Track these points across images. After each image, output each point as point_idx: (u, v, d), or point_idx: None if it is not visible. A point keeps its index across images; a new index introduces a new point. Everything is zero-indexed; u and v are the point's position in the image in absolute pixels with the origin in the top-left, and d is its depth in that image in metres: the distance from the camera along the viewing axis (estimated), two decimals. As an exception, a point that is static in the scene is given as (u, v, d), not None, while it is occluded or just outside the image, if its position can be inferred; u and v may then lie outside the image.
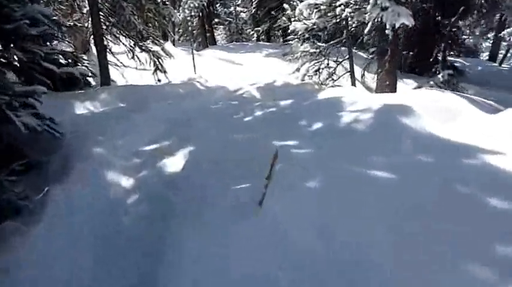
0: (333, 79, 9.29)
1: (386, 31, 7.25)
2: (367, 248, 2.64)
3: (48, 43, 7.34)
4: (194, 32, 26.37)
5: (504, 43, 31.98)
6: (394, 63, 8.94)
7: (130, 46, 11.56)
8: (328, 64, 9.24)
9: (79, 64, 12.03)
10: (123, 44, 11.60)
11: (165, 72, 11.90)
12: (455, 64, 17.44)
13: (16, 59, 5.72)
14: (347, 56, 9.20)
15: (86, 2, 10.98)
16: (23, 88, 5.01)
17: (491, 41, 35.74)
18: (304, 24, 8.56)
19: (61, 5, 12.45)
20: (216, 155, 4.57)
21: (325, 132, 4.56)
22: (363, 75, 10.61)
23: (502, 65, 26.02)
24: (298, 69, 9.42)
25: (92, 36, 11.04)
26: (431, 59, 14.83)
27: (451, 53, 17.90)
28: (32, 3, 5.74)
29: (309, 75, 9.19)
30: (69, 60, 11.94)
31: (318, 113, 5.22)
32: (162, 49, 11.29)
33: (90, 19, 10.82)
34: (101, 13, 10.62)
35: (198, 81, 10.90)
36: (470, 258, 2.39)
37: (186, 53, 17.26)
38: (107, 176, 4.60)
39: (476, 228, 2.59)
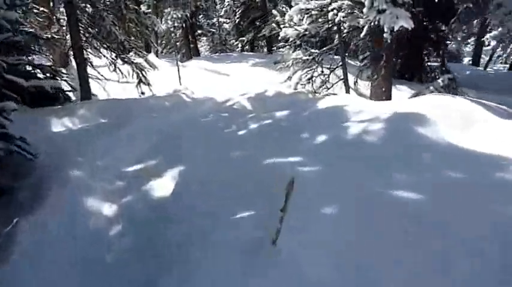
0: (326, 87, 8.84)
1: (385, 35, 6.85)
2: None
3: (15, 53, 6.72)
4: (178, 43, 25.89)
5: (487, 47, 32.27)
6: (389, 69, 8.56)
7: (112, 58, 11.02)
8: (322, 71, 8.80)
9: (58, 78, 11.47)
10: (104, 56, 11.06)
11: (149, 84, 11.36)
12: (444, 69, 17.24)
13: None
14: (340, 63, 8.79)
15: (64, 12, 10.44)
16: (-13, 105, 4.44)
17: (471, 46, 36.02)
18: (296, 30, 8.13)
19: (38, 17, 11.88)
20: (210, 176, 4.06)
21: (331, 146, 4.08)
22: (355, 83, 10.23)
23: (487, 69, 26.04)
24: (290, 78, 8.95)
25: (71, 49, 10.48)
26: (422, 64, 14.59)
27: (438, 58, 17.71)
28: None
29: (301, 84, 8.73)
30: (47, 75, 11.35)
31: (320, 124, 4.75)
32: (145, 60, 10.76)
33: (68, 31, 10.27)
34: (80, 24, 10.08)
35: (184, 93, 10.38)
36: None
37: (170, 65, 16.75)
38: (87, 203, 4.04)
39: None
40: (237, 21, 28.27)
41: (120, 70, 11.24)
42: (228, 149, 4.76)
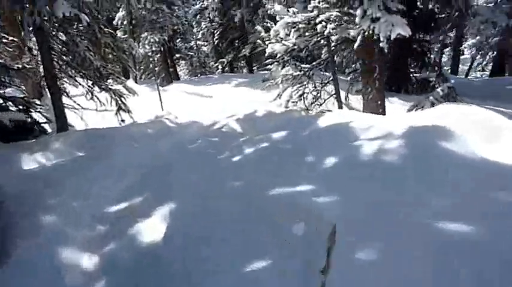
0: (318, 103, 8.37)
1: (381, 44, 6.42)
2: None
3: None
4: (156, 68, 25.37)
5: (463, 56, 32.61)
6: (383, 81, 8.15)
7: (89, 86, 10.40)
8: (315, 87, 8.32)
9: (32, 110, 10.80)
10: (80, 84, 10.44)
11: (129, 111, 10.75)
12: (430, 79, 17.06)
13: None
14: (331, 78, 8.34)
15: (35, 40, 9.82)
16: None
17: (446, 56, 36.40)
18: (284, 45, 7.66)
19: (7, 47, 11.23)
20: (207, 213, 3.46)
21: (345, 170, 3.53)
22: (346, 97, 9.81)
23: (468, 77, 26.14)
24: (279, 96, 8.43)
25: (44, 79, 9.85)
26: (408, 76, 14.33)
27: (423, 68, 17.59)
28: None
29: (293, 101, 8.23)
30: (20, 107, 10.66)
31: (326, 145, 4.21)
32: (124, 86, 10.16)
33: (40, 59, 9.65)
34: (52, 52, 9.47)
35: (167, 118, 9.78)
36: None
37: (151, 90, 16.18)
38: (62, 256, 3.38)
39: None
40: (215, 43, 27.99)
41: (97, 98, 10.63)
42: (223, 179, 4.17)
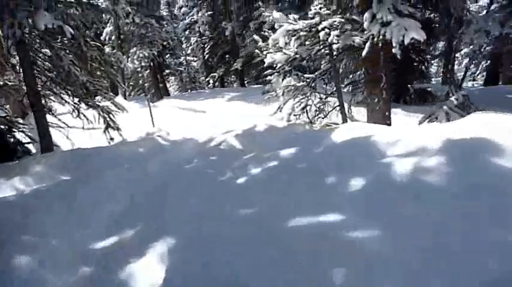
0: (321, 116, 7.82)
1: (394, 50, 5.93)
2: None
3: None
4: (146, 84, 24.83)
5: (458, 66, 32.53)
6: (389, 91, 7.66)
7: (75, 103, 9.78)
8: (321, 98, 7.76)
9: (14, 130, 10.15)
10: (66, 101, 9.82)
11: (118, 129, 10.13)
12: (428, 89, 16.72)
13: None
14: (334, 89, 7.82)
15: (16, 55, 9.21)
16: None
17: (435, 67, 36.37)
18: (285, 54, 7.14)
19: (-13, 64, 10.61)
20: (214, 251, 2.84)
21: (379, 193, 2.96)
22: (349, 109, 9.30)
23: (462, 87, 25.96)
24: (280, 109, 7.87)
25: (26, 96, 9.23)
26: (407, 86, 13.93)
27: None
28: None
29: (295, 115, 7.69)
30: (2, 127, 10.06)
31: (348, 163, 3.64)
32: (113, 103, 9.56)
33: (22, 75, 9.03)
34: (35, 67, 8.88)
35: (159, 136, 9.19)
36: None
37: (140, 106, 15.60)
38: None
39: None
40: (205, 57, 27.57)
41: (84, 116, 10.02)
42: (229, 205, 3.57)
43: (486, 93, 17.44)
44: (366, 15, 6.01)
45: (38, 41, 8.84)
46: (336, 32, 6.70)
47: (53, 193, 4.79)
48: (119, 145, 8.03)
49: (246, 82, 26.29)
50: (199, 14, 24.65)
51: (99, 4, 9.68)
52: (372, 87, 8.06)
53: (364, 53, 6.49)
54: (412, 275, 2.00)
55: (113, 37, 19.74)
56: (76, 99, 9.74)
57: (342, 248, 2.37)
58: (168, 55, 29.35)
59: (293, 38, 7.02)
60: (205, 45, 26.76)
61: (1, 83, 9.94)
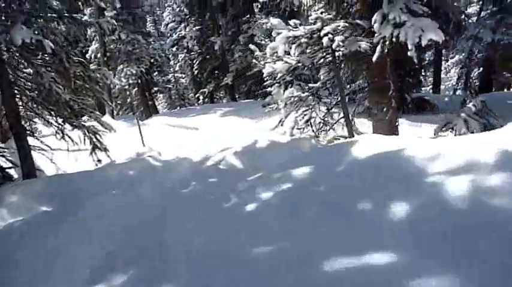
0: (326, 129, 7.23)
1: (409, 53, 5.40)
2: None
3: None
4: (134, 102, 24.18)
5: (445, 75, 32.36)
6: (398, 99, 7.13)
7: (59, 124, 9.10)
8: (328, 110, 7.14)
9: (-5, 155, 9.47)
10: (49, 122, 9.14)
11: (105, 150, 9.44)
12: (426, 97, 16.32)
13: None
14: (338, 99, 7.24)
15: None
16: None
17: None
18: (286, 63, 6.56)
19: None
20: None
21: (431, 223, 2.35)
22: (352, 120, 8.72)
23: (456, 94, 25.73)
24: (281, 122, 7.25)
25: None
26: (403, 94, 13.47)
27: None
28: None
29: (298, 128, 7.07)
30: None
31: (382, 185, 3.03)
32: (99, 122, 8.89)
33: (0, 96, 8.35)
34: (15, 87, 8.21)
35: (150, 156, 8.52)
36: None
37: (129, 125, 14.93)
38: None
39: None
40: (194, 73, 27.06)
41: (69, 137, 9.33)
42: (239, 240, 2.94)
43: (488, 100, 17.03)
44: (376, 16, 5.49)
45: (16, 58, 8.19)
46: (341, 37, 6.16)
47: (30, 229, 4.11)
48: (107, 167, 7.35)
49: (236, 97, 25.80)
50: (187, 29, 24.18)
51: (82, 17, 9.04)
52: (378, 96, 7.53)
53: (374, 58, 5.95)
54: None
55: (99, 54, 19.11)
56: (60, 120, 9.07)
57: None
58: (156, 72, 28.79)
59: (293, 46, 6.46)
60: (194, 61, 26.25)
61: (-21, 105, 9.27)
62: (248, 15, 20.73)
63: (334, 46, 6.18)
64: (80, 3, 9.99)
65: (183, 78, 32.18)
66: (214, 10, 22.90)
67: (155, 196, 4.82)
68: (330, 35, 6.28)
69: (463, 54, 22.94)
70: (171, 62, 30.75)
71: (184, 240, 3.18)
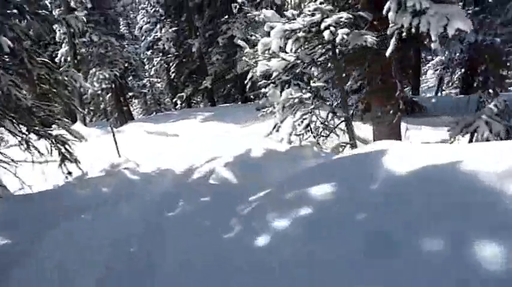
0: (325, 134, 6.38)
1: (433, 45, 4.66)
2: None
3: None
4: (108, 108, 22.98)
5: (426, 76, 32.26)
6: (404, 101, 6.42)
7: (23, 133, 8.05)
8: (334, 113, 6.23)
9: None
10: (9, 131, 8.08)
11: (76, 161, 8.41)
12: (414, 99, 15.85)
13: None
14: (340, 100, 6.45)
15: None
16: None
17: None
18: (283, 60, 5.72)
19: None
20: None
21: None
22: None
23: (438, 95, 25.53)
24: (277, 128, 6.34)
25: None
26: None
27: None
28: None
29: (297, 134, 6.20)
30: None
31: (443, 212, 2.23)
32: (68, 130, 7.88)
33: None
34: (-32, 93, 7.15)
35: (126, 168, 7.58)
36: None
37: (103, 132, 13.85)
38: None
39: None
40: (171, 77, 26.01)
41: (35, 147, 8.29)
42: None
43: (471, 102, 16.62)
44: (390, 4, 4.73)
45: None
46: (345, 30, 5.39)
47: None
48: (77, 184, 6.36)
49: (215, 101, 24.91)
50: (163, 31, 23.11)
51: (48, 14, 8.03)
52: (382, 97, 6.79)
53: (388, 52, 5.18)
54: None
55: (69, 58, 17.93)
56: (24, 129, 8.03)
57: None
58: (131, 77, 27.62)
59: (290, 41, 5.65)
60: (171, 64, 25.18)
61: None
62: (227, 16, 19.86)
63: (337, 40, 5.41)
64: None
65: (159, 82, 31.11)
66: (191, 11, 21.97)
67: (134, 220, 3.93)
68: (332, 28, 5.50)
69: (446, 54, 22.64)
70: (146, 67, 29.63)
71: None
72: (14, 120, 7.85)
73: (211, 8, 21.42)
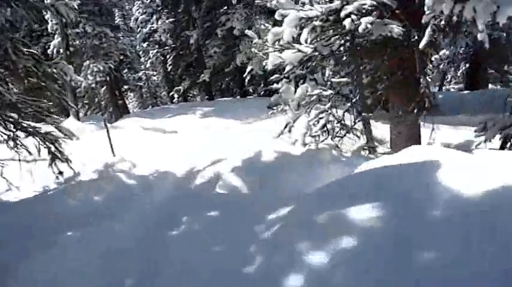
0: (339, 135, 5.70)
1: (479, 36, 4.05)
2: None
3: None
4: (103, 101, 22.27)
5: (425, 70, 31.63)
6: (430, 99, 5.80)
7: (9, 130, 7.40)
8: (360, 112, 5.51)
9: None
10: (-5, 128, 7.42)
11: (67, 160, 7.75)
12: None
13: None
14: (357, 97, 5.78)
15: None
16: None
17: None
18: (299, 51, 5.04)
19: None
20: None
21: None
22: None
23: (442, 91, 24.97)
24: (289, 127, 5.64)
25: None
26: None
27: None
28: None
29: (312, 135, 5.52)
30: None
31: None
32: (57, 128, 7.22)
33: None
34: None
35: (121, 170, 6.95)
36: None
37: (97, 128, 13.11)
38: None
39: None
40: (168, 70, 25.26)
41: (23, 145, 7.64)
42: None
43: (478, 97, 16.05)
44: (426, -12, 4.13)
45: None
46: (369, 19, 4.77)
47: None
48: (63, 192, 5.64)
49: (214, 93, 24.25)
50: (160, 22, 22.31)
51: (36, 1, 7.33)
52: (402, 95, 6.19)
53: (422, 44, 4.55)
54: None
55: (61, 50, 17.16)
56: (11, 126, 7.37)
57: None
58: (126, 70, 26.86)
59: (305, 30, 5.01)
60: (167, 57, 24.38)
61: None
62: (226, 7, 19.14)
63: (360, 30, 4.78)
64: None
65: (155, 75, 30.34)
66: (188, 1, 21.21)
67: (131, 240, 3.30)
68: (353, 16, 4.87)
69: (451, 48, 22.02)
70: (142, 59, 28.83)
71: None
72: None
73: (209, -1, 20.69)
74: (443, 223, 2.12)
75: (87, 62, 18.10)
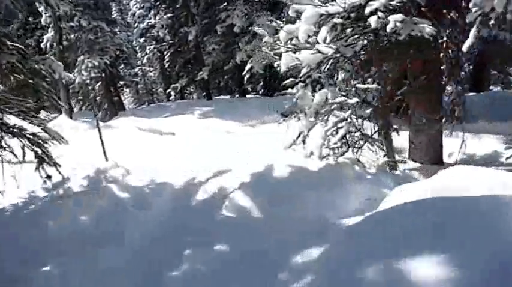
0: (357, 146, 5.08)
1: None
2: None
3: None
4: (98, 98, 21.57)
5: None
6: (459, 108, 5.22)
7: (-7, 131, 6.75)
8: (389, 122, 4.86)
9: None
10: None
11: (55, 164, 7.12)
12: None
13: None
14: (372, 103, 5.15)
15: None
16: None
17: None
18: (319, 52, 4.39)
19: None
20: None
21: None
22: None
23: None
24: (303, 137, 4.91)
25: None
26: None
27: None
28: None
29: (331, 147, 4.85)
30: None
31: None
32: (44, 129, 6.58)
33: None
34: None
35: (113, 178, 6.33)
36: None
37: (91, 126, 12.42)
38: None
39: None
40: (165, 66, 24.60)
41: (8, 146, 7.00)
42: None
43: (499, 100, 15.43)
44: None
45: None
46: (398, 17, 4.17)
47: None
48: (44, 210, 4.96)
49: (212, 91, 23.60)
50: (157, 18, 21.63)
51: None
52: (425, 101, 5.62)
53: (465, 46, 3.94)
54: None
55: (55, 44, 16.45)
56: (-5, 126, 6.73)
57: None
58: (122, 65, 26.18)
59: (324, 28, 4.40)
60: (165, 53, 23.71)
61: None
62: (226, 3, 18.51)
63: (388, 29, 4.18)
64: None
65: (152, 71, 29.67)
66: (187, -3, 20.56)
67: (123, 283, 2.69)
68: (379, 13, 4.27)
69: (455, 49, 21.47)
70: (139, 55, 28.17)
71: None
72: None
73: (209, -6, 20.04)
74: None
75: (82, 57, 17.43)
